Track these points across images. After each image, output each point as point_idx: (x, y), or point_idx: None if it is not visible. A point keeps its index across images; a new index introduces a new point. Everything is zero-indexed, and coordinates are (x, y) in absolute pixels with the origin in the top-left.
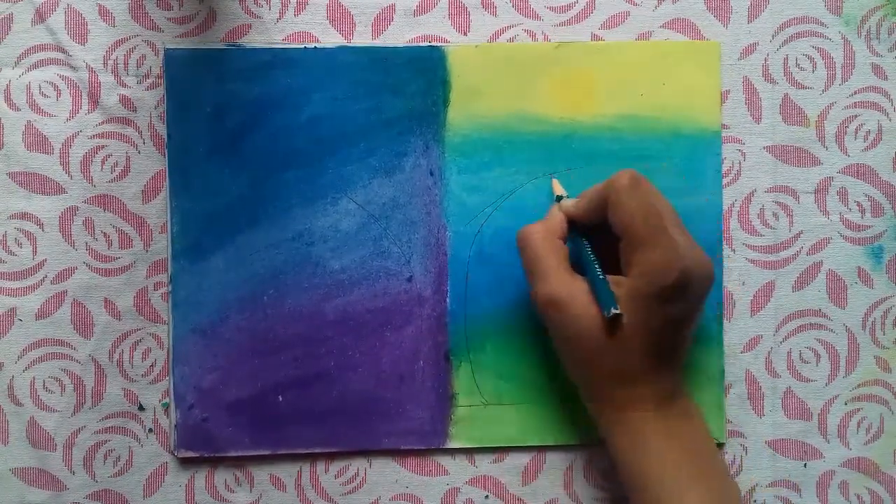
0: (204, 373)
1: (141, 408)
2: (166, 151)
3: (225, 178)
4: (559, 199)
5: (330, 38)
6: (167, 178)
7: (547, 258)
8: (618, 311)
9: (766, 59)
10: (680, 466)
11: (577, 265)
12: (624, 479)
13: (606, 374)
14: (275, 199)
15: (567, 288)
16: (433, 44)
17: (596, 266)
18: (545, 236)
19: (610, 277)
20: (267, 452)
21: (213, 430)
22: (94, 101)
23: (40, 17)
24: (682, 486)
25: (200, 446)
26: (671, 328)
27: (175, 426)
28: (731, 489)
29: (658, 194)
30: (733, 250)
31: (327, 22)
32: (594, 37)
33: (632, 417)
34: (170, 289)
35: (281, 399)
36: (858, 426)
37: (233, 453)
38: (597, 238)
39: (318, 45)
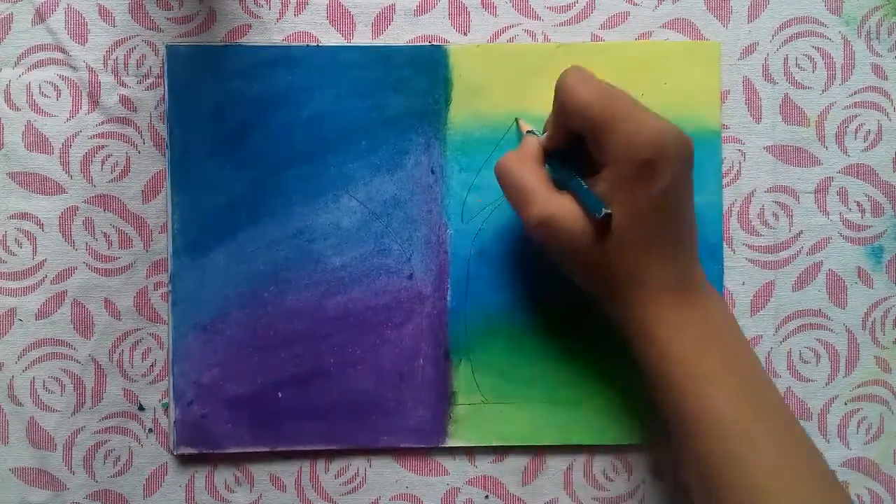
0: (204, 369)
1: (141, 408)
2: (167, 148)
3: (226, 175)
4: (529, 132)
5: (330, 39)
6: (168, 175)
7: (528, 182)
8: (608, 210)
9: (766, 59)
10: (703, 360)
11: (559, 186)
12: (650, 384)
13: (613, 277)
14: (276, 196)
15: (554, 204)
16: (434, 43)
17: (576, 176)
18: (522, 161)
19: (590, 180)
20: (266, 449)
21: (213, 426)
22: (94, 101)
23: (40, 17)
24: (711, 379)
25: (199, 443)
26: (661, 207)
27: (174, 423)
28: (759, 375)
29: (608, 83)
30: (733, 250)
31: (327, 22)
32: (594, 37)
33: (648, 316)
34: (170, 287)
35: (280, 396)
36: (858, 426)
37: (232, 450)
38: (576, 153)
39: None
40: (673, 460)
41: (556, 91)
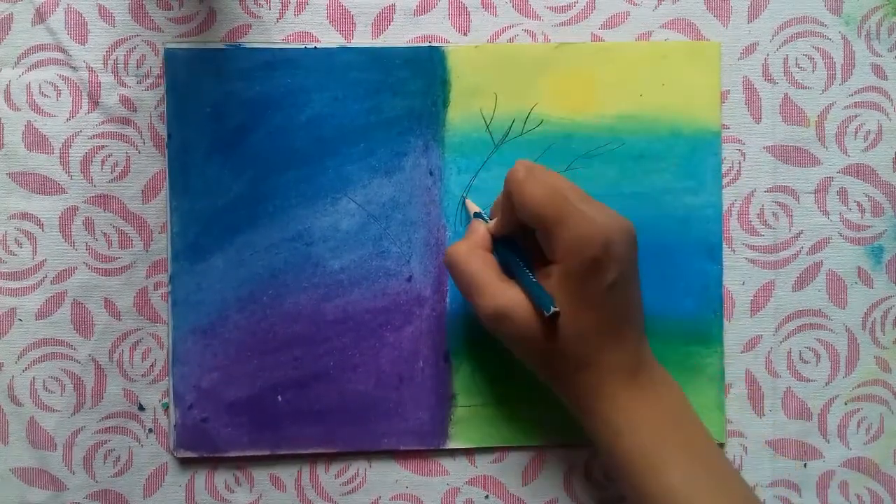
0: (203, 372)
1: (141, 408)
2: (166, 151)
3: (225, 178)
4: (477, 215)
5: (330, 39)
6: (167, 178)
7: (479, 273)
8: (556, 309)
9: (766, 59)
10: (657, 442)
11: (509, 272)
12: (608, 466)
13: (567, 367)
14: (274, 198)
15: (504, 297)
16: (433, 44)
17: (525, 270)
18: (472, 251)
19: (541, 271)
20: (266, 453)
21: (212, 430)
22: (94, 101)
23: (40, 17)
24: (665, 460)
25: (199, 446)
26: (611, 298)
27: (174, 426)
28: (712, 450)
29: (558, 176)
30: (733, 250)
31: (327, 22)
32: (594, 37)
33: (601, 403)
34: (169, 289)
35: (280, 399)
36: (858, 426)
37: (232, 453)
38: (525, 240)
39: (318, 45)
40: None
41: (506, 184)
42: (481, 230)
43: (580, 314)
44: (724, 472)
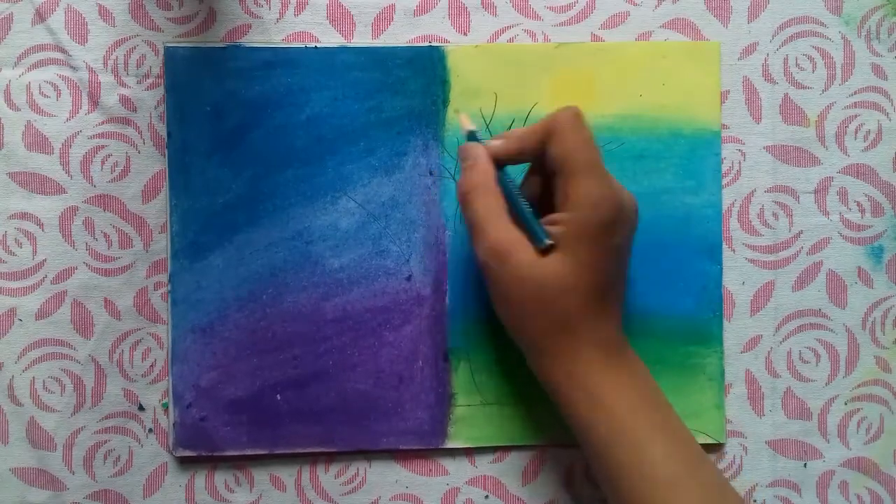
0: (202, 371)
1: (141, 408)
2: (166, 150)
3: (225, 177)
4: (471, 134)
5: (330, 39)
6: (167, 177)
7: (487, 210)
8: (551, 242)
9: (765, 59)
10: (638, 417)
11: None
12: (579, 435)
13: (552, 324)
14: (274, 197)
15: (508, 236)
16: (433, 44)
17: (523, 201)
18: (483, 187)
19: (548, 217)
20: (265, 452)
21: (211, 429)
22: (94, 101)
23: (40, 17)
24: (646, 436)
25: (198, 445)
26: (614, 262)
27: (173, 425)
28: (686, 434)
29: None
30: (733, 250)
31: (327, 22)
32: (594, 37)
33: (581, 369)
34: (169, 287)
35: (279, 398)
36: (858, 426)
37: (231, 452)
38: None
39: (318, 45)
40: None
41: (551, 120)
42: (487, 164)
43: (578, 270)
44: (699, 457)
